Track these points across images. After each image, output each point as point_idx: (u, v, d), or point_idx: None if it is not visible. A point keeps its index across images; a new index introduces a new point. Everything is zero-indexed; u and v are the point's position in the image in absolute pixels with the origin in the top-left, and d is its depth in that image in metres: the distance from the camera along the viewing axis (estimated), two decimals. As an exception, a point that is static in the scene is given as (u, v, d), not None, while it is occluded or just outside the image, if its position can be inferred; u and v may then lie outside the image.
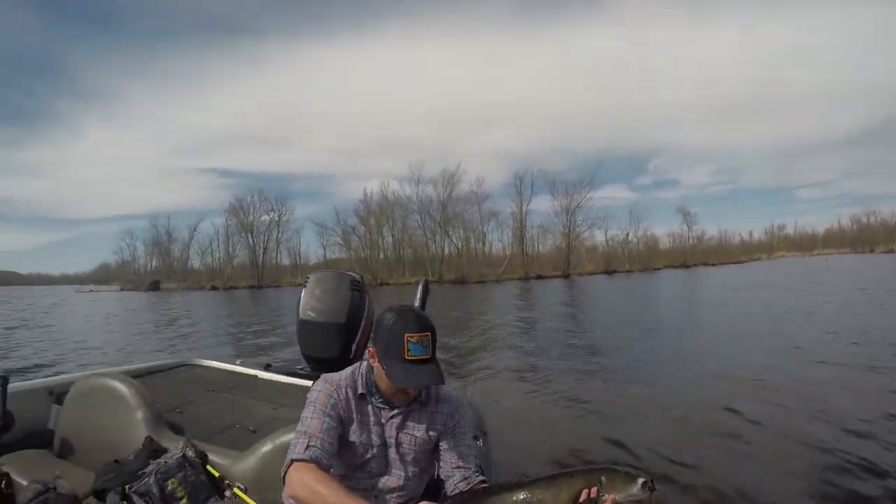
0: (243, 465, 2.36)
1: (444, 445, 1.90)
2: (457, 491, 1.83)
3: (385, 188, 63.60)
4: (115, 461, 2.33)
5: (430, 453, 1.92)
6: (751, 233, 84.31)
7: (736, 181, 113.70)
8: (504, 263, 61.12)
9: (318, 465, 1.66)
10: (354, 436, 1.82)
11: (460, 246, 63.02)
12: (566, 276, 58.18)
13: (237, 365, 4.23)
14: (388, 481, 1.85)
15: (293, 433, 1.93)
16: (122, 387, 2.63)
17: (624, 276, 54.55)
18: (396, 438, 1.85)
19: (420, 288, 4.06)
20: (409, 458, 1.87)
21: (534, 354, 11.44)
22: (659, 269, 63.92)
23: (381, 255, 62.93)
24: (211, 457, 2.39)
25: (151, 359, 4.22)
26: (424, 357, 1.71)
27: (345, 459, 1.83)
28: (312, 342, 3.81)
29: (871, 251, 67.14)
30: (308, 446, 1.69)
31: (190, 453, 2.31)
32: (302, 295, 3.86)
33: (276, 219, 60.16)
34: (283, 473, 1.66)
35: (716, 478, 4.49)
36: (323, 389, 1.83)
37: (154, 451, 2.37)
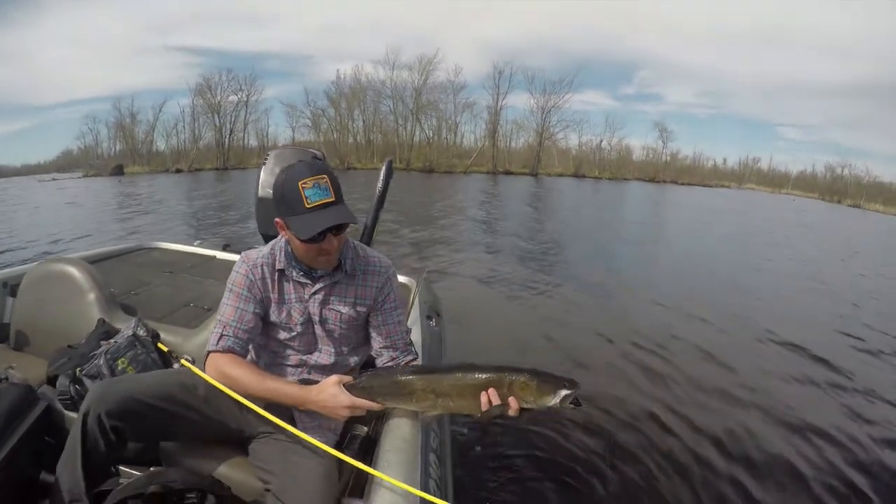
0: (195, 340, 2.38)
1: (372, 322, 1.86)
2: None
3: (359, 71, 61.12)
4: (69, 346, 2.32)
5: (362, 329, 1.88)
6: (725, 160, 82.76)
7: (720, 106, 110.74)
8: (474, 156, 60.46)
9: (233, 353, 1.68)
10: (275, 315, 1.78)
11: (431, 135, 61.68)
12: (534, 174, 57.99)
13: (195, 246, 4.21)
14: (318, 358, 1.83)
15: None
16: (74, 271, 2.58)
17: (592, 182, 54.74)
18: (321, 315, 1.79)
19: (384, 168, 4.02)
20: (336, 334, 1.82)
21: (493, 247, 11.81)
22: (628, 179, 63.96)
23: (351, 140, 61.59)
24: (163, 335, 2.41)
25: (111, 245, 4.16)
26: (327, 200, 1.60)
27: (273, 338, 1.82)
28: (270, 220, 3.84)
29: (839, 202, 67.60)
30: (221, 336, 1.70)
31: (141, 332, 2.32)
32: (262, 172, 3.81)
33: (245, 99, 57.70)
34: (202, 366, 1.72)
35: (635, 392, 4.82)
36: (239, 270, 1.77)
37: (106, 332, 2.37)
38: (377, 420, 1.92)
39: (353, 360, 1.90)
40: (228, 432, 1.79)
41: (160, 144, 56.69)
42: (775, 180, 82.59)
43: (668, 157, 72.35)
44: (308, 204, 1.58)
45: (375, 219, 4.14)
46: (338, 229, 1.64)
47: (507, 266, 9.67)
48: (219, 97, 56.45)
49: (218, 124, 55.89)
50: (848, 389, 5.25)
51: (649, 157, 72.17)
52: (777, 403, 4.71)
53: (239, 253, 3.82)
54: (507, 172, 58.17)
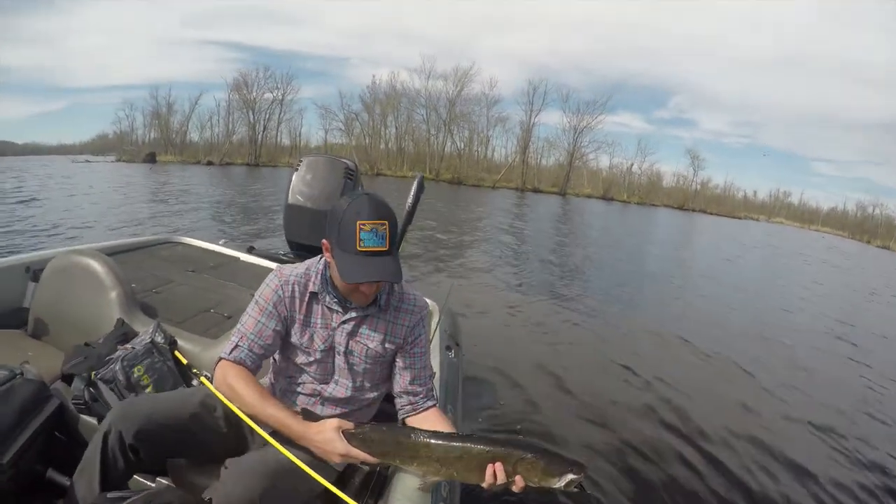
0: (212, 352, 2.29)
1: (398, 362, 1.80)
2: (402, 414, 1.80)
3: (394, 78, 61.59)
4: (86, 344, 2.29)
5: (386, 367, 1.82)
6: (755, 192, 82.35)
7: (754, 136, 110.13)
8: (504, 171, 60.44)
9: (244, 366, 1.66)
10: (296, 336, 1.74)
11: (462, 146, 61.90)
12: (563, 194, 57.88)
13: (220, 245, 4.16)
14: (333, 390, 1.77)
15: None
16: (97, 266, 2.56)
17: (620, 206, 54.42)
18: (346, 346, 1.74)
19: (415, 184, 3.90)
20: (358, 368, 1.77)
21: (518, 270, 11.61)
22: (657, 205, 63.63)
23: (383, 145, 61.97)
24: (181, 342, 2.36)
25: (137, 233, 4.17)
26: (379, 248, 1.55)
27: (291, 362, 1.78)
28: (298, 228, 3.79)
29: (868, 242, 66.05)
30: (236, 346, 1.68)
31: (159, 339, 2.27)
32: (293, 178, 3.80)
33: (280, 97, 58.28)
34: (212, 370, 1.70)
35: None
36: (270, 284, 1.73)
37: (124, 334, 2.34)
38: None
39: (372, 395, 1.84)
40: (240, 448, 1.77)
41: (194, 136, 57.90)
42: (805, 215, 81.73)
43: (699, 186, 71.88)
44: (360, 247, 1.53)
45: (402, 236, 4.17)
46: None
47: (530, 293, 9.46)
48: (254, 94, 57.28)
49: (252, 121, 56.74)
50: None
51: (679, 183, 71.77)
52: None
53: (263, 256, 3.91)
54: (536, 190, 58.12)
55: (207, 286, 3.25)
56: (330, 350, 1.74)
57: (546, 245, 16.30)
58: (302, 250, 3.84)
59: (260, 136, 57.00)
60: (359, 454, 1.54)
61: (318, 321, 1.73)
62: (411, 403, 1.78)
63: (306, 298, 1.73)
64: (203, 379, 2.05)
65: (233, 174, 37.25)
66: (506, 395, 4.61)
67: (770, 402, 5.76)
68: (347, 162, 3.87)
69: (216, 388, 1.65)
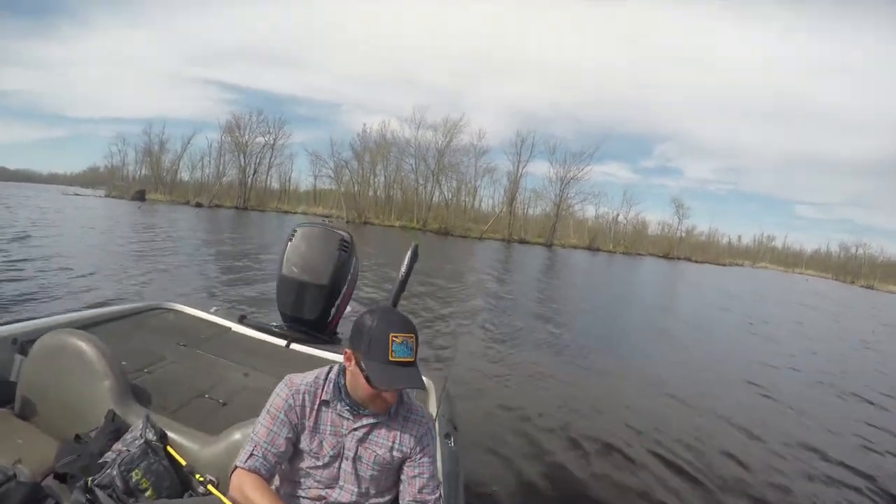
0: (211, 451, 2.22)
1: (406, 471, 1.83)
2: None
3: (385, 127, 62.70)
4: (77, 437, 2.21)
5: (392, 475, 1.85)
6: (739, 237, 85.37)
7: (738, 182, 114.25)
8: (490, 221, 61.03)
9: (258, 474, 1.68)
10: (304, 443, 1.78)
11: (450, 196, 62.77)
12: (549, 245, 58.32)
13: (212, 313, 4.05)
14: (339, 495, 1.79)
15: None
16: (91, 350, 2.44)
17: (606, 256, 55.06)
18: (356, 452, 1.78)
19: (409, 252, 3.97)
20: (366, 475, 1.79)
21: (508, 333, 11.46)
22: (642, 255, 64.52)
23: (371, 193, 62.50)
24: (175, 437, 2.26)
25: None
26: (408, 360, 1.66)
27: (298, 467, 1.81)
28: (291, 301, 3.76)
29: (852, 282, 68.27)
30: (251, 455, 1.71)
31: (150, 436, 2.19)
32: (287, 248, 3.77)
33: (272, 142, 59.30)
34: (228, 476, 1.71)
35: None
36: (280, 394, 1.79)
37: (116, 430, 2.25)
38: None
39: (377, 502, 1.84)
40: None
41: (184, 175, 58.37)
42: (789, 259, 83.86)
43: (684, 234, 73.62)
44: (392, 357, 1.63)
45: (396, 300, 4.10)
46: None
47: (526, 358, 9.35)
48: (247, 137, 58.18)
49: (243, 163, 57.46)
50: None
51: (664, 231, 73.62)
52: None
53: (255, 327, 3.79)
54: (522, 241, 58.70)
55: (200, 365, 3.15)
56: (338, 456, 1.77)
57: (534, 304, 16.26)
58: (294, 322, 3.83)
59: (250, 180, 57.61)
60: None
61: (328, 428, 1.78)
62: None
63: (315, 406, 1.78)
64: (211, 487, 2.03)
65: (222, 217, 37.27)
66: (506, 475, 4.53)
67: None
68: (343, 233, 3.90)
69: (233, 497, 1.66)
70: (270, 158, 59.57)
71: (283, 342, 3.66)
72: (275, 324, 3.90)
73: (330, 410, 1.79)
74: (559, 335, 11.56)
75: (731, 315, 21.15)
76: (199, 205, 47.14)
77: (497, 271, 25.19)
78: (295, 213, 55.77)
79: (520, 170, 63.68)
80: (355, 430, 1.77)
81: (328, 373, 1.83)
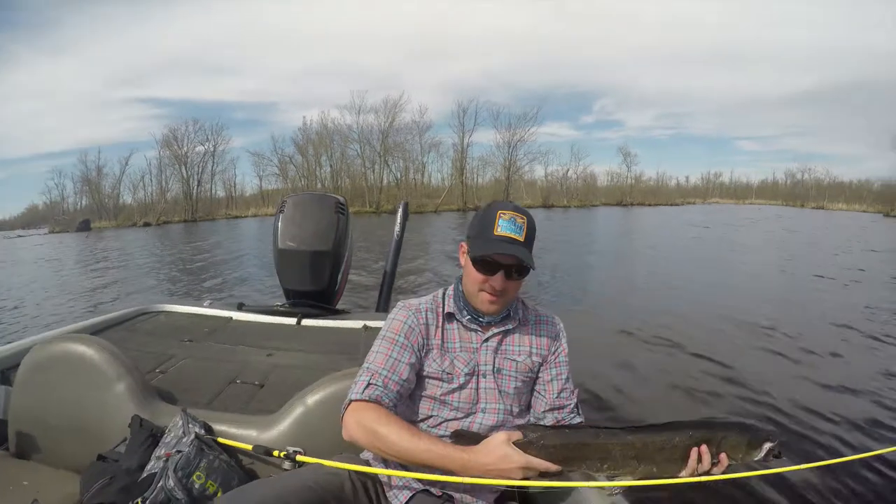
0: (277, 430, 1.93)
1: (542, 376, 1.67)
2: None
3: (325, 117, 61.56)
4: (100, 457, 1.83)
5: (532, 384, 1.68)
6: (687, 178, 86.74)
7: (679, 127, 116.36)
8: (443, 195, 60.97)
9: (379, 404, 1.48)
10: (435, 364, 1.60)
11: (399, 176, 62.38)
12: (504, 208, 58.56)
13: (207, 307, 3.80)
14: (482, 419, 1.59)
15: (337, 381, 1.85)
16: (92, 353, 2.06)
17: (562, 211, 55.66)
18: (494, 364, 1.61)
19: (400, 210, 4.10)
20: (509, 389, 1.62)
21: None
22: (596, 205, 65.43)
23: (319, 185, 61.62)
24: (222, 427, 1.96)
25: (93, 315, 3.55)
26: (515, 236, 1.51)
27: (426, 396, 1.61)
28: (295, 274, 3.56)
29: (802, 206, 70.42)
30: (369, 384, 1.51)
31: (198, 430, 1.85)
32: (279, 222, 3.57)
33: (212, 149, 57.67)
34: (341, 416, 1.51)
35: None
36: (397, 317, 1.63)
37: (151, 435, 1.86)
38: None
39: (521, 423, 1.63)
40: None
41: (127, 198, 56.23)
42: (739, 192, 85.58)
43: (633, 181, 74.60)
44: (497, 231, 1.52)
45: (395, 263, 4.17)
46: (510, 274, 1.55)
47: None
48: (185, 148, 56.39)
49: (185, 175, 55.70)
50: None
51: (614, 181, 74.47)
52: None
53: (257, 311, 3.62)
54: (477, 208, 57.48)
55: (215, 354, 2.88)
56: (473, 374, 1.60)
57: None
58: (302, 296, 3.62)
59: (195, 191, 56.00)
60: (541, 463, 1.36)
61: (457, 345, 1.63)
62: (558, 421, 1.64)
63: (440, 322, 1.64)
64: (302, 457, 1.74)
65: (173, 233, 36.25)
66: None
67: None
68: (338, 197, 3.71)
69: (352, 435, 1.47)
70: (213, 166, 57.98)
71: (292, 320, 3.48)
72: (279, 303, 3.74)
73: (455, 325, 1.65)
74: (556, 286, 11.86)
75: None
76: (146, 224, 45.95)
77: (454, 240, 25.39)
78: (245, 216, 54.63)
79: (466, 140, 63.50)
80: (486, 340, 1.63)
81: (445, 290, 1.71)
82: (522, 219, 1.53)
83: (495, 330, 1.64)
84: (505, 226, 1.51)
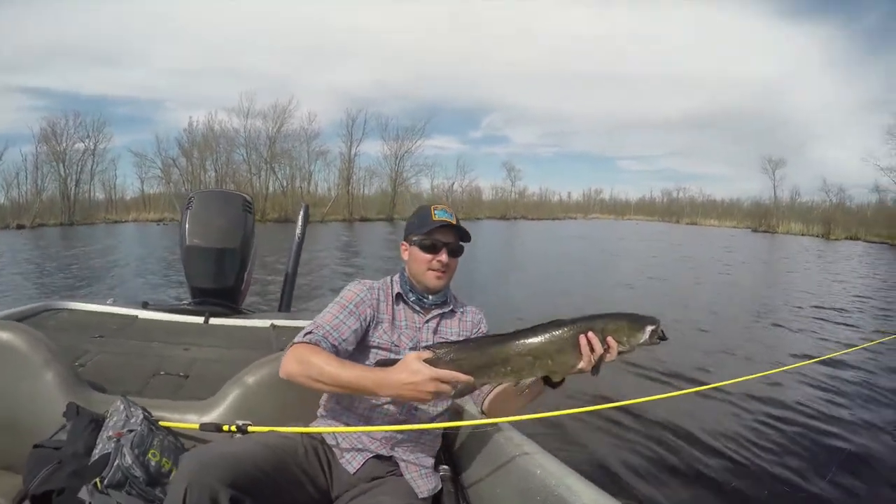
0: (216, 413, 1.95)
1: None
2: (480, 396, 1.86)
3: (212, 119, 59.28)
4: (37, 446, 1.70)
5: None
6: (569, 194, 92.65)
7: (562, 145, 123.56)
8: (329, 204, 61.19)
9: (317, 346, 1.60)
10: (386, 336, 1.79)
11: (286, 184, 61.85)
12: (390, 219, 59.77)
13: (110, 305, 3.69)
14: None
15: (275, 361, 1.85)
16: (16, 339, 1.96)
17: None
18: (433, 342, 1.80)
19: (301, 214, 4.15)
20: None
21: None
22: (480, 218, 67.69)
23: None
24: (162, 413, 1.92)
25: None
26: (451, 221, 1.77)
27: (376, 362, 1.72)
28: (203, 271, 3.52)
29: (678, 222, 75.22)
30: (309, 332, 1.64)
31: (138, 412, 1.80)
32: (187, 218, 3.49)
33: (92, 147, 53.48)
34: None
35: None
36: (352, 289, 1.81)
37: (93, 420, 1.77)
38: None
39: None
40: (317, 495, 1.66)
41: (-1, 197, 51.16)
42: (618, 208, 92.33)
43: (517, 195, 79.32)
44: (434, 218, 1.78)
45: (296, 264, 4.29)
46: (451, 252, 1.82)
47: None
48: (64, 144, 52.45)
49: (63, 174, 51.76)
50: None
51: (499, 196, 78.83)
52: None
53: (162, 310, 3.58)
54: (364, 219, 59.90)
55: (131, 349, 2.80)
56: (415, 349, 1.73)
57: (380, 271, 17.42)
58: (209, 295, 3.57)
59: (73, 192, 52.23)
60: (450, 374, 1.45)
61: (404, 322, 1.84)
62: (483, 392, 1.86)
63: (391, 300, 1.85)
64: (253, 428, 1.71)
65: (50, 237, 34.02)
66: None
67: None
68: (244, 195, 3.73)
69: (287, 369, 1.57)
70: (93, 166, 54.39)
71: (199, 319, 3.45)
72: (185, 301, 3.73)
73: (402, 306, 1.87)
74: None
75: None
76: (20, 227, 42.61)
77: (340, 250, 26.57)
78: (126, 221, 52.00)
79: (353, 150, 64.46)
80: (428, 321, 1.87)
81: (393, 277, 1.93)
82: (451, 210, 1.84)
83: (435, 312, 1.89)
84: (440, 213, 1.79)
